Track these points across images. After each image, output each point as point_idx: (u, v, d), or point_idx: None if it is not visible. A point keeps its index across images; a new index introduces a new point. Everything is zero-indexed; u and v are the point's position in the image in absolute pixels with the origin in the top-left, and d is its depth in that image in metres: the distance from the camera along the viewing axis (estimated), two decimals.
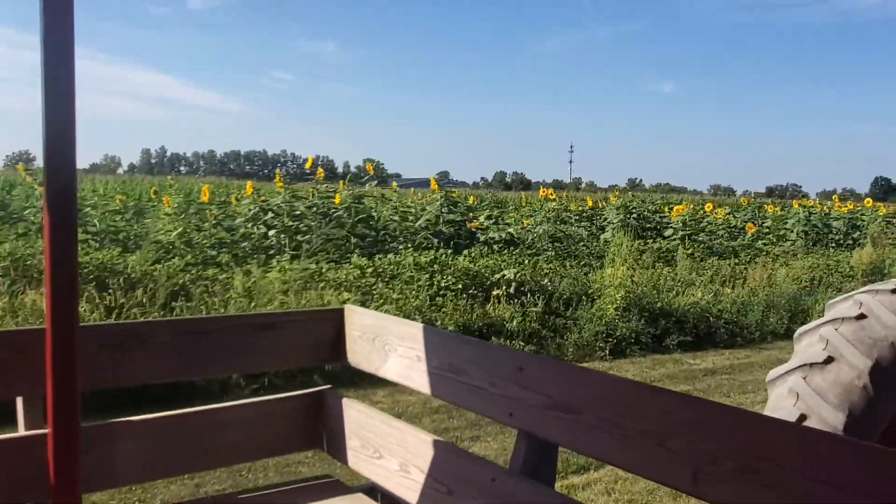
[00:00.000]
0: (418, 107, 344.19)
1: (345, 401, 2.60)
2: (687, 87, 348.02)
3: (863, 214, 19.27)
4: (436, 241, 10.96)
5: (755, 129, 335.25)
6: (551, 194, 18.81)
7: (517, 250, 11.52)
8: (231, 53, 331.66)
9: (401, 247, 9.94)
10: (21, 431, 2.06)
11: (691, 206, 18.99)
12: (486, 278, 9.09)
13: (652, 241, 14.55)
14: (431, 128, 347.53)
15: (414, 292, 8.52)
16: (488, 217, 11.72)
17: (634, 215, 15.96)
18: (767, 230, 18.42)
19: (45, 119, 1.25)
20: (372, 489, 2.51)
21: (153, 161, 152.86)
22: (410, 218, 11.55)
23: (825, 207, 20.92)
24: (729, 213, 19.54)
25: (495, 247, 11.45)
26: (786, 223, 18.65)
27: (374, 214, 11.35)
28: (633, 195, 18.56)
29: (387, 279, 8.68)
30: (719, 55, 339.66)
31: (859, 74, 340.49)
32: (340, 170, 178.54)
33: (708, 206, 20.21)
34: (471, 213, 11.79)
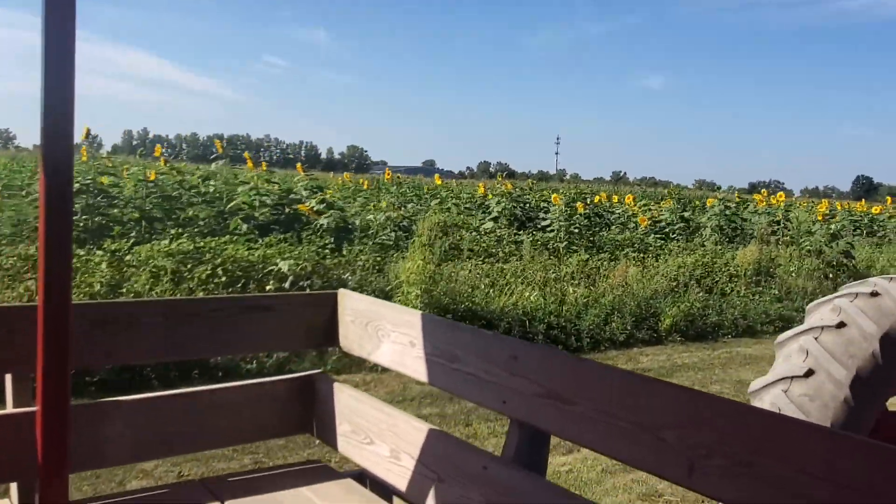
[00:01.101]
0: (408, 97, 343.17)
1: (336, 385, 2.57)
2: (675, 83, 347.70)
3: (788, 210, 18.02)
4: (245, 227, 9.66)
5: (742, 125, 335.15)
6: (455, 184, 17.43)
7: (352, 237, 10.27)
8: (222, 37, 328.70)
9: (180, 232, 8.58)
10: (9, 409, 2.03)
11: (598, 197, 17.67)
12: (257, 271, 7.80)
13: (533, 232, 13.28)
14: (421, 118, 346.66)
15: (161, 286, 7.23)
16: (321, 201, 10.37)
17: (520, 205, 14.66)
18: (683, 223, 17.22)
19: (44, 103, 1.23)
20: (361, 475, 2.48)
21: (135, 143, 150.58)
22: (217, 203, 10.24)
23: (760, 201, 19.61)
24: (645, 205, 18.23)
25: (325, 235, 10.17)
26: (701, 217, 17.44)
27: (177, 195, 10.02)
28: (531, 184, 17.18)
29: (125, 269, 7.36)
30: (709, 53, 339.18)
31: (848, 75, 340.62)
32: (324, 156, 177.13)
33: (628, 198, 18.92)
34: (291, 195, 10.44)
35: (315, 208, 10.38)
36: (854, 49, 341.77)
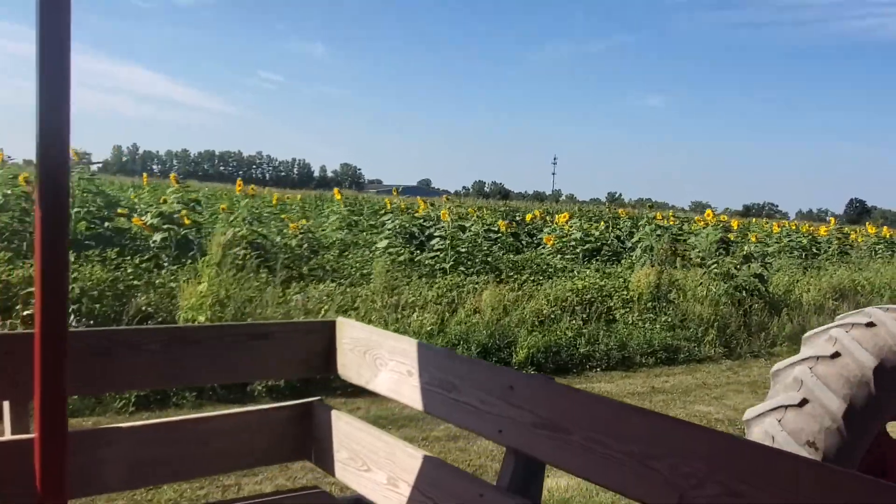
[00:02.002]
0: (406, 114, 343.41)
1: (334, 413, 2.58)
2: (674, 102, 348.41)
3: (727, 231, 17.01)
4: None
5: (739, 147, 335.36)
6: (335, 194, 16.24)
7: (193, 254, 9.23)
8: (218, 52, 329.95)
9: None
10: (7, 436, 2.03)
11: (530, 215, 16.55)
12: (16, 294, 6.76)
13: (422, 251, 12.25)
14: (418, 135, 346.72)
15: None
16: (158, 214, 9.34)
17: (418, 222, 13.60)
18: (618, 243, 16.22)
19: (39, 117, 1.22)
20: (358, 501, 2.48)
21: (124, 159, 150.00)
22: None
23: (700, 221, 18.59)
24: (584, 223, 17.16)
25: (162, 252, 9.14)
26: (632, 237, 16.43)
27: None
28: (446, 199, 16.01)
29: None
30: (708, 72, 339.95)
31: (847, 97, 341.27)
32: (317, 174, 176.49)
33: (562, 217, 17.89)
34: (119, 208, 9.40)
35: (149, 223, 9.35)
36: (854, 70, 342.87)
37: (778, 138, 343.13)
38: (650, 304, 10.34)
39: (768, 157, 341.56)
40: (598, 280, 10.86)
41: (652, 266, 11.08)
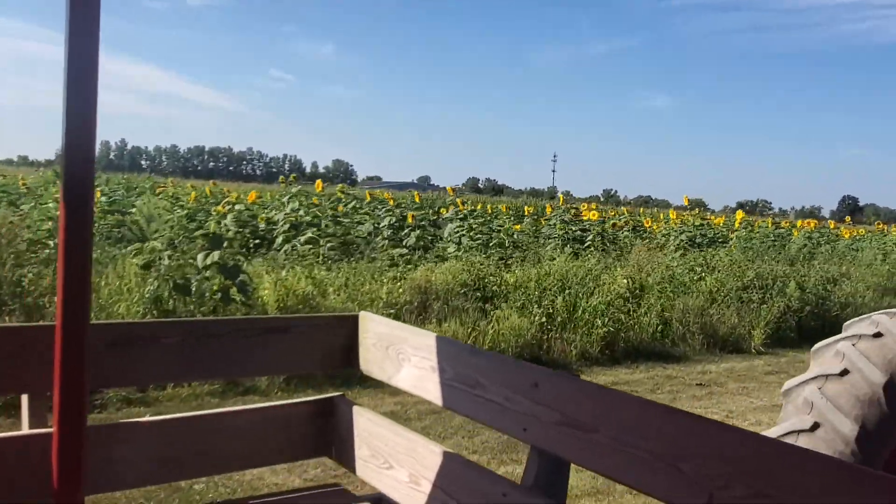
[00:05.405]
0: (407, 112, 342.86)
1: (356, 409, 2.55)
2: (675, 104, 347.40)
3: (637, 222, 15.84)
4: None
5: (737, 145, 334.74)
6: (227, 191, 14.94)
7: None
8: (228, 51, 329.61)
9: None
10: (25, 430, 2.03)
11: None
12: None
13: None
14: (419, 133, 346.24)
15: None
16: None
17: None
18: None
19: (66, 116, 1.23)
20: (379, 499, 2.46)
21: (112, 156, 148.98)
22: None
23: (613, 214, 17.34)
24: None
25: None
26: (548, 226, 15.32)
27: None
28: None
29: None
30: (709, 74, 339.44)
31: (845, 98, 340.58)
32: (309, 170, 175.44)
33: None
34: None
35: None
36: (853, 72, 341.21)
37: (775, 138, 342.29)
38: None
39: (765, 157, 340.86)
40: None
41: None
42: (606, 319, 9.05)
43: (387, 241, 12.59)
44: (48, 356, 1.32)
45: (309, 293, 7.90)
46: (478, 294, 9.26)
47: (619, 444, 1.70)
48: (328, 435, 2.60)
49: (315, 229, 10.63)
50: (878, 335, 3.13)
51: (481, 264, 10.08)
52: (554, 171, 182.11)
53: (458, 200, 15.91)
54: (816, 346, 3.41)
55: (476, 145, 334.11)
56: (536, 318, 8.83)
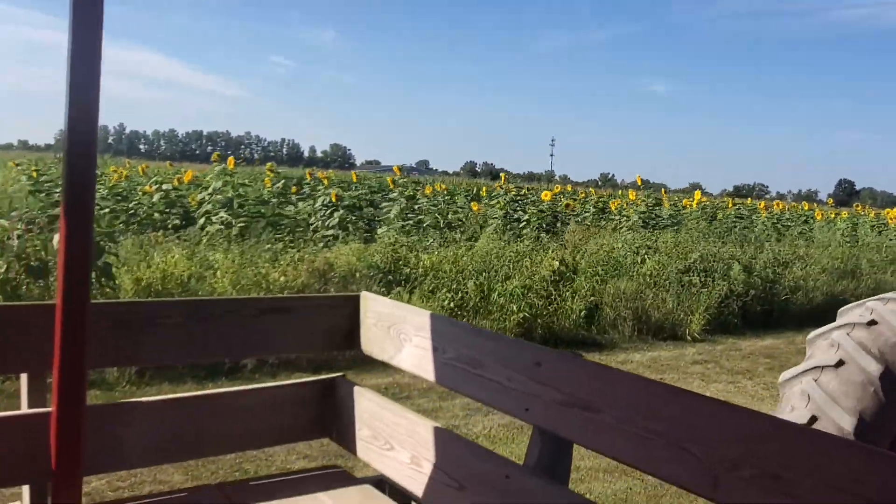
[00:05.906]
0: (408, 96, 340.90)
1: (357, 389, 2.53)
2: (674, 89, 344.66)
3: (605, 203, 15.18)
4: None
5: (736, 130, 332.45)
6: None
7: None
8: (230, 37, 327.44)
9: None
10: (24, 409, 2.00)
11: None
12: None
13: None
14: (418, 118, 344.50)
15: None
16: None
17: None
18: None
19: (69, 102, 1.23)
20: (380, 481, 2.45)
21: (110, 140, 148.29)
22: None
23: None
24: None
25: None
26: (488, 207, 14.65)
27: None
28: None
29: None
30: (708, 60, 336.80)
31: (845, 83, 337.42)
32: (307, 154, 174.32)
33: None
34: None
35: None
36: (852, 57, 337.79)
37: (773, 122, 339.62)
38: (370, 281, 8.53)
39: (763, 141, 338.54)
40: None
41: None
42: (523, 304, 8.45)
43: (319, 223, 12.03)
44: (48, 335, 1.30)
45: (189, 276, 7.32)
46: (388, 278, 8.67)
47: (622, 424, 1.67)
48: (329, 416, 2.59)
49: (226, 209, 10.03)
50: (872, 323, 3.10)
51: (400, 245, 9.48)
52: (552, 155, 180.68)
53: (401, 181, 15.29)
54: (811, 334, 3.38)
55: (476, 130, 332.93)
56: (446, 302, 8.25)
